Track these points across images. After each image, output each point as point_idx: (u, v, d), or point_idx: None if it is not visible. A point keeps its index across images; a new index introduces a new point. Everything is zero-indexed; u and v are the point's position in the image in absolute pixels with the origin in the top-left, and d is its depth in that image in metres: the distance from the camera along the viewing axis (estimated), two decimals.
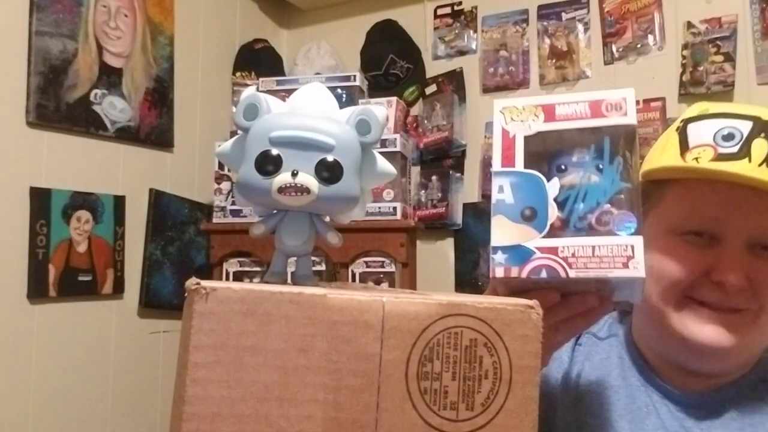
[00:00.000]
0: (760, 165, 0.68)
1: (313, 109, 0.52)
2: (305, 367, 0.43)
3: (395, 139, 2.08)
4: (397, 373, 0.44)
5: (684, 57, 2.00)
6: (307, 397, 0.43)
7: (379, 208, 2.04)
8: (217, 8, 2.35)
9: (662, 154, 0.76)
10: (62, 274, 1.75)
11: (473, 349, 0.45)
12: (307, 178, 0.49)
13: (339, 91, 2.13)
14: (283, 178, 0.49)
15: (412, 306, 0.44)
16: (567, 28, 2.19)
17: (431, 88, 2.35)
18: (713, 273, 0.73)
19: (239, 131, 0.52)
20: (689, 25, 2.00)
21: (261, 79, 2.24)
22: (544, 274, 0.60)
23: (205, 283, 0.42)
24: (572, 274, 0.60)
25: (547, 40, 2.21)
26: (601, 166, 0.62)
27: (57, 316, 1.75)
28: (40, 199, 1.70)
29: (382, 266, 2.07)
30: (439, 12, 2.40)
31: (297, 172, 0.49)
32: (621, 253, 0.59)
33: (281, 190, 0.49)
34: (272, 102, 0.52)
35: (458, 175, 2.25)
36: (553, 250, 0.60)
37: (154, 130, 2.03)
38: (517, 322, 0.45)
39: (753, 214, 0.72)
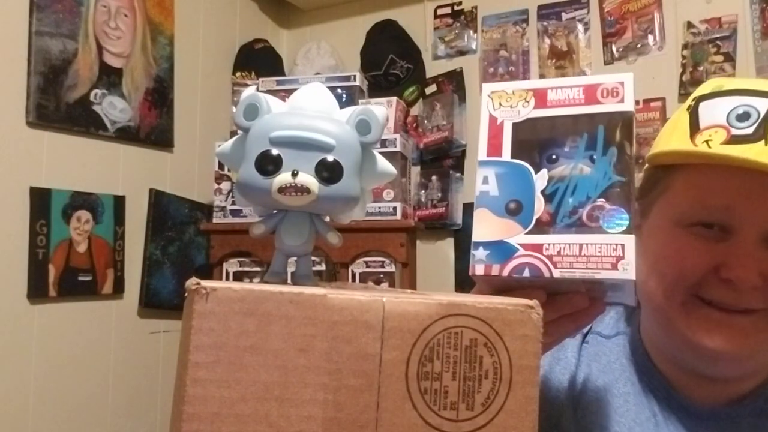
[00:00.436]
0: None
1: (314, 109, 0.52)
2: (305, 367, 0.43)
3: (395, 139, 2.08)
4: (397, 373, 0.44)
5: (684, 57, 2.00)
6: (307, 397, 0.43)
7: (379, 208, 2.04)
8: (217, 8, 2.35)
9: (671, 137, 0.68)
10: (62, 274, 1.75)
11: (473, 349, 0.45)
12: (307, 178, 0.49)
13: (339, 91, 2.13)
14: (283, 178, 0.49)
15: (412, 306, 0.44)
16: (567, 28, 2.19)
17: (431, 88, 2.35)
18: (723, 269, 0.65)
19: (239, 131, 0.52)
20: (689, 25, 2.01)
21: (261, 79, 2.24)
22: (526, 273, 0.57)
23: (205, 283, 0.42)
24: (557, 274, 0.56)
25: (547, 40, 2.21)
26: (593, 158, 0.57)
27: (57, 316, 1.75)
28: (40, 199, 1.70)
29: (382, 266, 2.07)
30: (439, 12, 2.40)
31: (297, 172, 0.49)
32: (610, 252, 0.55)
33: (281, 190, 0.49)
34: (272, 102, 0.52)
35: (458, 175, 2.26)
36: (538, 248, 0.57)
37: (154, 130, 2.03)
38: (517, 322, 0.45)
39: None
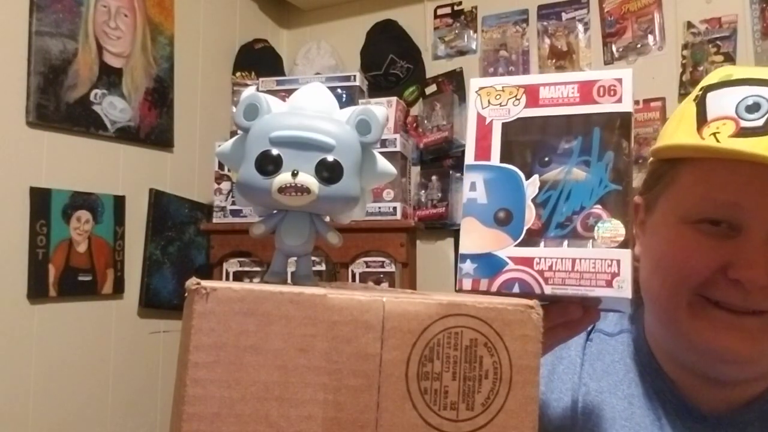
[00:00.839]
0: None
1: (314, 109, 0.52)
2: (305, 367, 0.43)
3: (395, 139, 2.08)
4: (397, 373, 0.44)
5: (684, 57, 2.00)
6: (307, 397, 0.43)
7: (379, 208, 2.04)
8: (217, 8, 2.35)
9: (677, 129, 0.65)
10: (62, 274, 1.75)
11: (473, 349, 0.45)
12: (308, 178, 0.49)
13: (339, 91, 2.13)
14: (283, 178, 0.49)
15: (413, 306, 0.44)
16: (567, 28, 2.19)
17: (431, 88, 2.35)
18: (731, 269, 0.62)
19: (239, 131, 0.52)
20: (689, 25, 2.01)
21: (261, 79, 2.24)
22: (516, 289, 0.54)
23: (205, 283, 0.42)
24: (548, 290, 0.53)
25: (547, 40, 2.21)
26: (589, 162, 0.54)
27: (57, 316, 1.75)
28: (40, 199, 1.70)
29: (382, 266, 2.07)
30: (439, 12, 2.40)
31: (297, 172, 0.49)
32: (605, 268, 0.52)
33: (281, 190, 0.49)
34: (272, 102, 0.52)
35: (458, 175, 2.25)
36: (528, 262, 0.54)
37: (154, 130, 2.03)
38: (517, 322, 0.45)
39: None
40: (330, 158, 0.50)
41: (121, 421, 1.91)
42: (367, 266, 2.07)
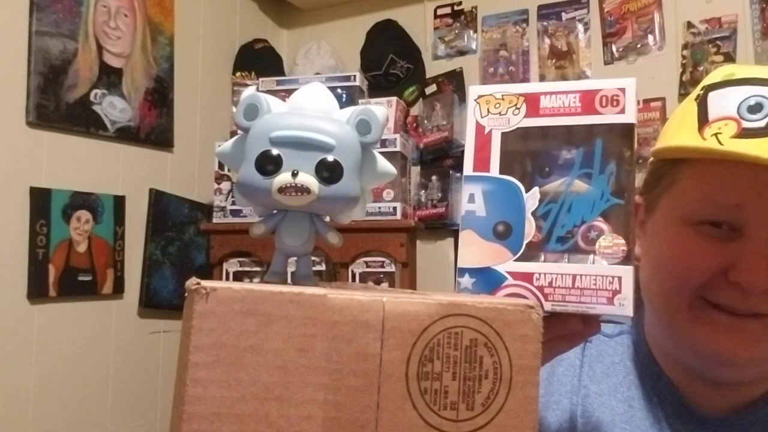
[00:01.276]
0: None
1: (314, 109, 0.52)
2: (305, 367, 0.43)
3: (395, 139, 2.08)
4: (398, 373, 0.44)
5: (684, 57, 2.00)
6: (307, 397, 0.43)
7: (379, 208, 2.04)
8: (217, 8, 2.35)
9: (678, 129, 0.64)
10: (62, 274, 1.75)
11: (473, 349, 0.45)
12: (308, 178, 0.49)
13: (339, 91, 2.13)
14: (284, 178, 0.49)
15: (413, 306, 0.44)
16: (567, 28, 2.19)
17: (431, 88, 2.35)
18: (731, 271, 0.61)
19: (239, 131, 0.52)
20: (689, 25, 2.01)
21: (261, 79, 2.24)
22: None
23: (205, 283, 0.42)
24: (548, 307, 0.52)
25: (547, 40, 2.21)
26: (590, 174, 0.53)
27: (57, 316, 1.75)
28: (40, 199, 1.70)
29: (382, 266, 2.07)
30: (439, 12, 2.40)
31: (297, 172, 0.49)
32: (606, 285, 0.51)
33: (281, 190, 0.49)
34: (272, 102, 0.52)
35: (458, 175, 2.25)
36: (528, 277, 0.53)
37: (154, 130, 2.03)
38: (518, 322, 0.45)
39: None
40: (330, 158, 0.50)
41: (121, 421, 1.91)
42: (367, 266, 2.07)
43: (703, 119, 0.62)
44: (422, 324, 0.44)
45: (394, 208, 2.04)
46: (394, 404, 0.43)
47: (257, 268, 2.15)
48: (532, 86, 0.56)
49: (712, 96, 0.63)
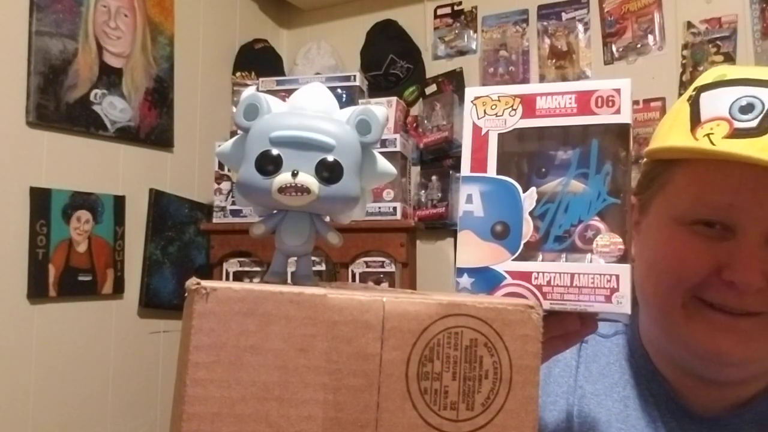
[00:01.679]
0: None
1: (314, 109, 0.52)
2: (305, 367, 0.43)
3: (395, 139, 2.08)
4: (398, 373, 0.44)
5: (684, 57, 2.00)
6: (307, 397, 0.43)
7: (379, 208, 2.04)
8: (217, 8, 2.35)
9: (670, 130, 0.65)
10: (62, 274, 1.75)
11: (473, 349, 0.45)
12: (308, 178, 0.49)
13: (339, 91, 2.13)
14: (284, 178, 0.49)
15: (413, 306, 0.44)
16: (567, 28, 2.19)
17: (431, 88, 2.35)
18: (725, 271, 0.62)
19: (239, 131, 0.52)
20: (689, 25, 2.01)
21: (261, 79, 2.24)
22: None
23: (205, 283, 0.42)
24: (546, 305, 0.52)
25: (547, 40, 2.21)
26: (587, 174, 0.53)
27: (57, 316, 1.75)
28: (40, 199, 1.70)
29: (382, 266, 2.07)
30: (439, 12, 2.40)
31: (297, 172, 0.49)
32: (603, 284, 0.51)
33: (281, 190, 0.49)
34: (272, 102, 0.52)
35: (458, 175, 2.24)
36: (526, 276, 0.53)
37: (154, 130, 2.03)
38: (517, 322, 0.45)
39: None
40: (330, 158, 0.50)
41: (121, 421, 1.91)
42: (367, 266, 2.07)
43: (695, 120, 0.62)
44: (422, 324, 0.44)
45: (394, 208, 2.04)
46: (394, 404, 0.43)
47: (257, 268, 2.15)
48: (528, 87, 0.57)
49: (705, 97, 0.63)
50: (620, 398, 0.74)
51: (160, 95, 2.06)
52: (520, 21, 2.27)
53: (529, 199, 0.54)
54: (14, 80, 1.66)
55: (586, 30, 2.17)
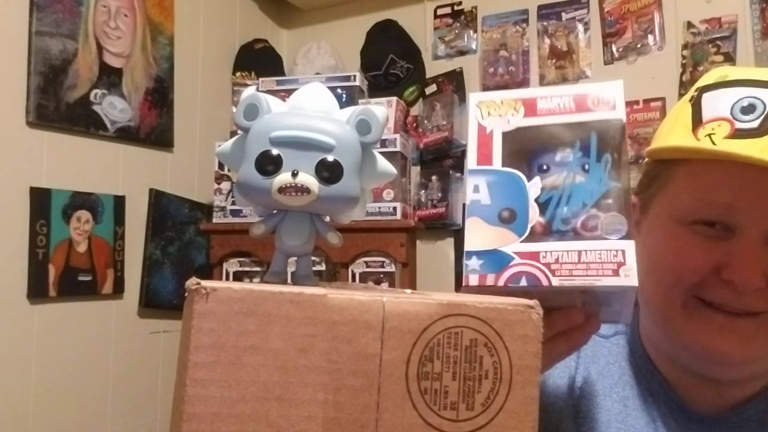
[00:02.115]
0: None
1: (314, 109, 0.52)
2: (305, 367, 0.43)
3: (395, 139, 2.08)
4: (397, 373, 0.44)
5: (684, 57, 2.00)
6: (307, 397, 0.43)
7: (379, 208, 2.04)
8: (217, 8, 2.35)
9: (672, 130, 0.65)
10: (62, 274, 1.75)
11: (473, 349, 0.45)
12: (308, 178, 0.49)
13: (339, 91, 2.13)
14: (284, 178, 0.49)
15: (413, 306, 0.44)
16: (567, 28, 2.19)
17: (431, 88, 2.35)
18: (724, 271, 0.62)
19: (239, 131, 0.52)
20: (689, 25, 2.01)
21: (261, 79, 2.24)
22: (523, 282, 0.54)
23: (205, 283, 0.42)
24: (555, 282, 0.53)
25: (547, 40, 2.21)
26: (587, 166, 0.56)
27: (57, 316, 1.75)
28: (40, 199, 1.70)
29: (382, 266, 2.07)
30: (439, 12, 2.40)
31: (297, 172, 0.49)
32: (610, 258, 0.53)
33: (281, 190, 0.49)
34: (272, 102, 0.52)
35: (458, 175, 2.26)
36: (535, 256, 0.54)
37: (154, 130, 2.03)
38: (518, 322, 0.45)
39: None
40: (330, 158, 0.50)
41: (121, 421, 1.91)
42: (367, 266, 2.07)
43: (697, 120, 0.63)
44: (422, 324, 0.44)
45: (394, 208, 2.04)
46: (394, 404, 0.43)
47: (257, 268, 2.15)
48: (529, 91, 0.60)
49: (706, 97, 0.64)
50: (619, 398, 0.74)
51: (160, 95, 2.06)
52: (520, 21, 2.27)
53: (534, 187, 0.56)
54: (14, 80, 1.66)
55: (586, 30, 2.17)
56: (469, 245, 0.56)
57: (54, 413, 1.73)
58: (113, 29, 1.91)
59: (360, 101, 2.11)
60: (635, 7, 2.09)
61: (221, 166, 2.16)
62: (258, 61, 2.41)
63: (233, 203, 2.12)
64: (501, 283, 0.55)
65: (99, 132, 1.86)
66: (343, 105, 0.53)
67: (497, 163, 0.58)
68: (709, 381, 0.70)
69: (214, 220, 2.17)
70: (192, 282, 0.43)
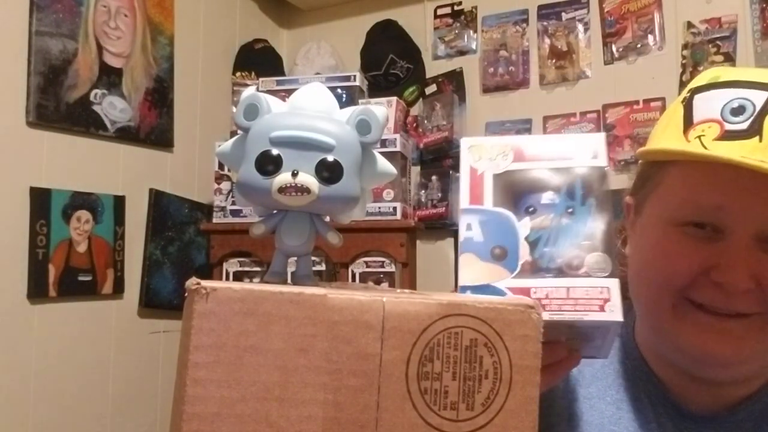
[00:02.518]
0: None
1: (314, 109, 0.52)
2: (305, 367, 0.43)
3: (395, 139, 2.08)
4: (397, 373, 0.44)
5: (684, 57, 2.00)
6: (307, 397, 0.43)
7: (379, 208, 2.04)
8: (217, 8, 2.35)
9: (664, 132, 0.66)
10: (62, 274, 1.75)
11: (473, 349, 0.45)
12: (308, 178, 0.49)
13: (339, 91, 2.13)
14: (284, 178, 0.49)
15: (413, 306, 0.44)
16: (567, 28, 2.19)
17: (431, 88, 2.35)
18: (714, 272, 0.62)
19: (239, 131, 0.52)
20: (689, 25, 2.01)
21: (261, 79, 2.24)
22: None
23: (205, 283, 0.42)
24: (546, 316, 0.54)
25: (547, 40, 2.21)
26: (571, 210, 0.59)
27: (57, 316, 1.75)
28: (40, 199, 1.70)
29: (382, 266, 2.07)
30: (439, 12, 2.40)
31: (297, 172, 0.49)
32: (596, 295, 0.56)
33: (281, 190, 0.49)
34: (272, 102, 0.52)
35: (458, 175, 2.25)
36: (525, 291, 0.57)
37: (154, 130, 2.03)
38: (518, 322, 0.45)
39: (762, 203, 0.61)
40: (330, 158, 0.50)
41: (121, 421, 1.91)
42: (367, 266, 2.07)
43: (688, 122, 0.63)
44: (422, 324, 0.44)
45: (394, 208, 2.04)
46: (394, 404, 0.43)
47: (257, 268, 2.15)
48: (518, 138, 0.66)
49: (698, 99, 0.64)
50: (613, 401, 0.74)
51: (160, 95, 2.06)
52: (520, 21, 2.27)
53: (523, 227, 0.60)
54: (14, 80, 1.66)
55: (586, 30, 2.17)
56: (463, 280, 0.59)
57: (54, 413, 1.73)
58: (113, 29, 1.91)
59: (360, 101, 2.11)
60: (635, 7, 2.09)
61: (221, 166, 2.16)
62: (258, 61, 2.41)
63: (233, 203, 2.12)
64: None
65: (99, 132, 1.86)
66: (343, 105, 0.53)
67: (488, 203, 0.61)
68: (704, 382, 0.70)
69: (214, 220, 2.17)
70: (192, 282, 0.43)
